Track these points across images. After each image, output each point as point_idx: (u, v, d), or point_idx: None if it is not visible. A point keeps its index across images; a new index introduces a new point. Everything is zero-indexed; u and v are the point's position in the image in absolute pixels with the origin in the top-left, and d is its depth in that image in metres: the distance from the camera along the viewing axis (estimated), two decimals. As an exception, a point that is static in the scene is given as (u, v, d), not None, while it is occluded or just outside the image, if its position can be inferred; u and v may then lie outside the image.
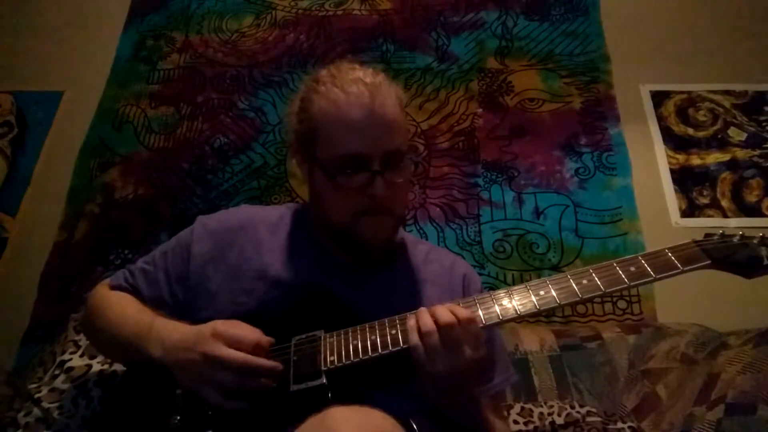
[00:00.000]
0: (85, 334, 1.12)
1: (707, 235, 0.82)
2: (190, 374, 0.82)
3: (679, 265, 0.78)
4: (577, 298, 0.79)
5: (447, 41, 2.16)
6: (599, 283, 0.79)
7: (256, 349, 0.81)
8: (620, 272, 0.79)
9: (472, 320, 0.79)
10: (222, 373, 0.80)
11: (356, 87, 0.90)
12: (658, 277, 0.78)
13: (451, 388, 0.81)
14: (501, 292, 0.83)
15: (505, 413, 1.14)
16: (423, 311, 0.81)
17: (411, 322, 0.80)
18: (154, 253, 1.03)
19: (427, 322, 0.78)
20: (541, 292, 0.81)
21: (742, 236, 0.80)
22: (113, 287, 1.01)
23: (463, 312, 0.79)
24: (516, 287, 0.83)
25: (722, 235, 0.81)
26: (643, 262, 0.79)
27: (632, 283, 0.78)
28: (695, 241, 0.80)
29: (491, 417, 0.93)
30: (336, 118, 0.89)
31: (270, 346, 0.83)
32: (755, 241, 0.79)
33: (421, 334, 0.78)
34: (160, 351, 0.85)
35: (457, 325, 0.77)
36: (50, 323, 1.66)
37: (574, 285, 0.80)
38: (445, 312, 0.79)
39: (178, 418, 0.82)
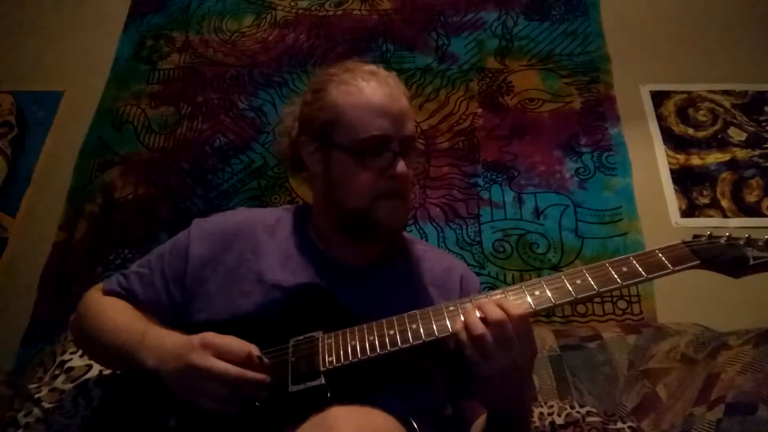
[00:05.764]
0: (75, 340, 1.08)
1: (696, 236, 0.84)
2: (181, 384, 0.80)
3: (669, 265, 0.79)
4: (572, 298, 0.80)
5: (447, 41, 2.16)
6: (592, 282, 0.80)
7: (246, 361, 0.79)
8: (613, 272, 0.80)
9: (522, 315, 0.76)
10: (210, 384, 0.78)
11: (375, 77, 0.96)
12: (649, 276, 0.79)
13: (507, 386, 0.78)
14: (497, 293, 0.83)
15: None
16: (470, 310, 0.77)
17: (458, 324, 0.77)
18: (148, 257, 1.01)
19: (476, 322, 0.75)
20: (536, 292, 0.81)
21: (729, 237, 0.81)
22: (107, 292, 0.99)
23: (512, 306, 0.76)
24: (511, 287, 0.83)
25: (710, 236, 0.83)
26: (634, 262, 0.80)
27: (624, 283, 0.79)
28: (684, 242, 0.82)
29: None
30: (361, 103, 0.94)
31: (258, 358, 0.81)
32: (741, 242, 0.80)
33: (472, 336, 0.74)
34: (154, 361, 0.83)
35: (507, 321, 0.74)
36: (50, 323, 1.67)
37: (568, 285, 0.80)
38: (493, 308, 0.76)
39: (175, 421, 0.82)
